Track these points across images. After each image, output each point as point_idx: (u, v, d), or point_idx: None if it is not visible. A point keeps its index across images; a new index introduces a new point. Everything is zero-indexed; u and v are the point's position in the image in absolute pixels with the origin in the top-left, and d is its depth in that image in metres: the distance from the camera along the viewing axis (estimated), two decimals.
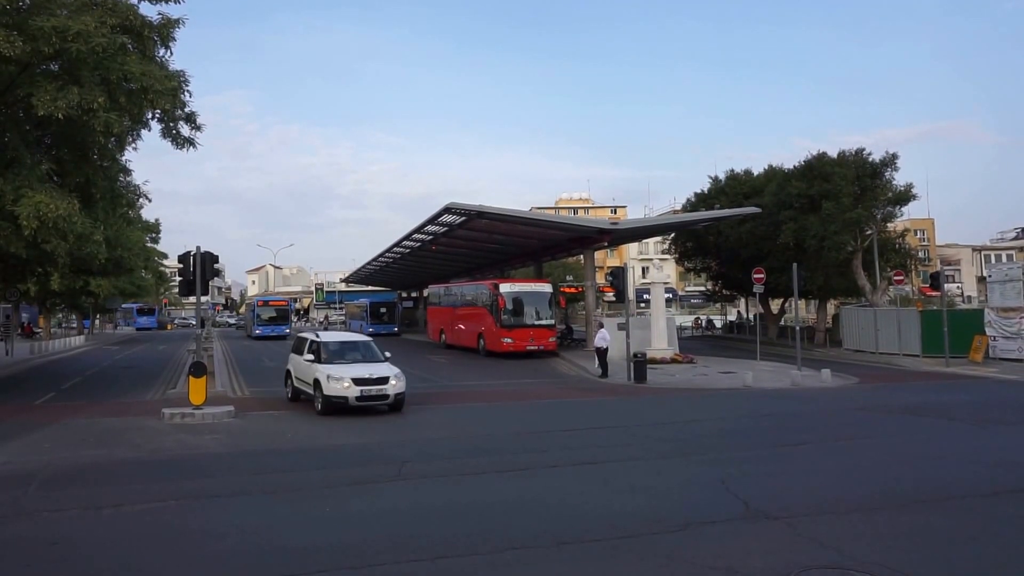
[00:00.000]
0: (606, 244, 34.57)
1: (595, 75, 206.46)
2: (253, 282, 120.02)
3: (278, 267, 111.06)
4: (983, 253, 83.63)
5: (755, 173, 40.74)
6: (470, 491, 8.79)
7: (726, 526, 7.06)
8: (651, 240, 71.15)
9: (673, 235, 44.52)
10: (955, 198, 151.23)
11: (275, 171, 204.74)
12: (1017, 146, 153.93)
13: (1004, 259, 68.71)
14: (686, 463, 10.41)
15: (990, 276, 29.35)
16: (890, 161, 32.82)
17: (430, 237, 33.57)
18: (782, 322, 43.55)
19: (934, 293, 39.31)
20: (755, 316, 38.43)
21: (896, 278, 32.99)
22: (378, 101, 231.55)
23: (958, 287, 73.03)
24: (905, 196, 33.33)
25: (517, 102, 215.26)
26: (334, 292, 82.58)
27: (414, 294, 65.03)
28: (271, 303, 52.58)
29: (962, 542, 6.63)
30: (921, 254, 53.95)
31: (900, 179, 33.73)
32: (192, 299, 15.00)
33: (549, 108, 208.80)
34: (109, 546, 6.74)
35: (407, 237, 35.39)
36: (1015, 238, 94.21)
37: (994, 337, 26.48)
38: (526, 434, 12.90)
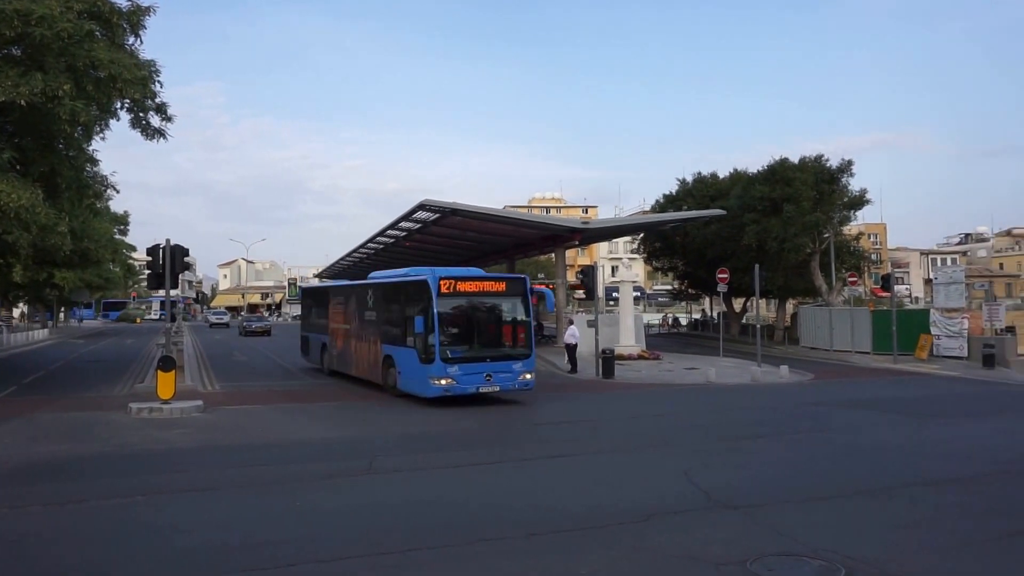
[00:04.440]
0: (577, 243, 34.97)
1: (569, 79, 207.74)
2: (225, 276, 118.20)
3: (250, 261, 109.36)
4: (930, 257, 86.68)
5: (721, 176, 41.52)
6: (441, 485, 8.87)
7: (688, 516, 7.31)
8: (621, 240, 71.82)
9: (642, 235, 45.08)
10: (906, 204, 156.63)
11: (247, 164, 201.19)
12: (963, 156, 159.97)
13: (949, 263, 71.32)
14: (651, 456, 10.71)
15: (936, 279, 30.63)
16: (846, 167, 33.93)
17: (404, 233, 33.45)
18: (744, 320, 44.51)
19: (885, 294, 40.63)
20: (719, 314, 39.25)
21: (850, 279, 34.17)
22: (351, 97, 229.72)
23: (907, 288, 75.50)
24: (860, 201, 34.56)
25: (492, 101, 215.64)
26: (309, 287, 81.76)
27: None
28: (468, 286, 15.40)
29: (905, 528, 7.00)
30: (874, 257, 55.63)
31: (855, 185, 34.95)
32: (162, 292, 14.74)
33: (524, 108, 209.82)
34: (74, 542, 6.64)
35: (381, 233, 35.22)
36: (959, 243, 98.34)
37: (938, 336, 27.60)
38: (496, 428, 13.08)
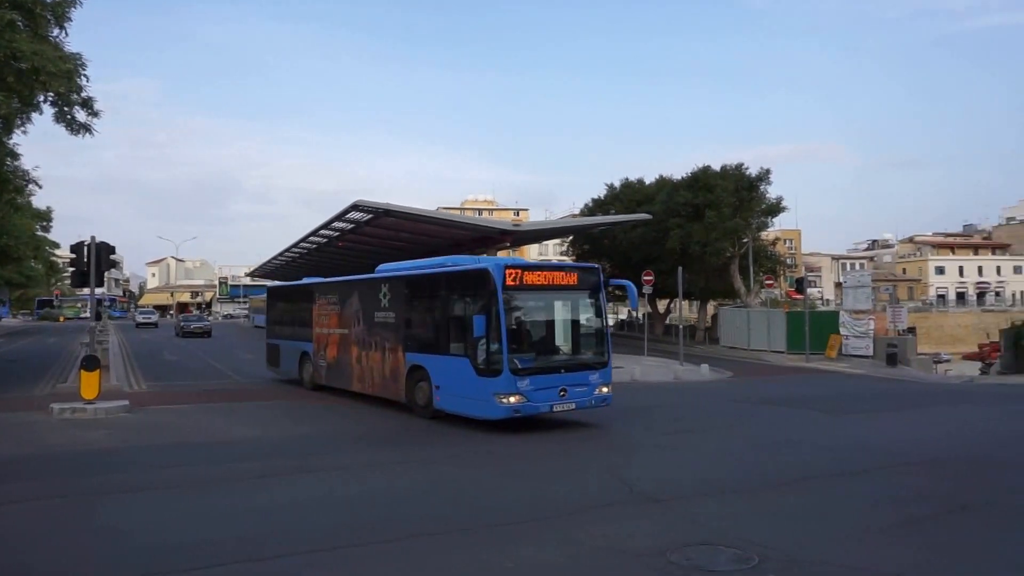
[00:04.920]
0: (508, 245, 35.40)
1: (502, 84, 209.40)
2: (153, 274, 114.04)
3: (180, 260, 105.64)
4: (840, 262, 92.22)
5: (647, 182, 42.90)
6: (374, 482, 8.94)
7: (613, 509, 7.58)
8: (551, 242, 72.91)
9: (571, 238, 46.03)
10: (819, 211, 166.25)
11: (179, 162, 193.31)
12: (870, 168, 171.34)
13: (857, 267, 76.14)
14: (576, 451, 11.06)
15: (845, 282, 32.77)
16: (764, 176, 35.84)
17: (337, 234, 33.05)
18: (667, 321, 46.19)
19: (799, 296, 43.21)
20: (643, 315, 40.57)
21: (767, 282, 36.08)
22: (287, 97, 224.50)
23: (819, 291, 79.98)
24: (776, 208, 36.61)
25: (428, 104, 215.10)
26: (238, 286, 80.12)
27: None
28: (537, 278, 12.36)
29: (814, 517, 7.47)
30: (789, 261, 58.71)
31: (772, 192, 36.98)
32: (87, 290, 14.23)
33: (459, 112, 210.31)
34: None
35: (314, 233, 34.64)
36: (867, 249, 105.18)
37: (847, 336, 29.48)
38: (415, 426, 13.03)
